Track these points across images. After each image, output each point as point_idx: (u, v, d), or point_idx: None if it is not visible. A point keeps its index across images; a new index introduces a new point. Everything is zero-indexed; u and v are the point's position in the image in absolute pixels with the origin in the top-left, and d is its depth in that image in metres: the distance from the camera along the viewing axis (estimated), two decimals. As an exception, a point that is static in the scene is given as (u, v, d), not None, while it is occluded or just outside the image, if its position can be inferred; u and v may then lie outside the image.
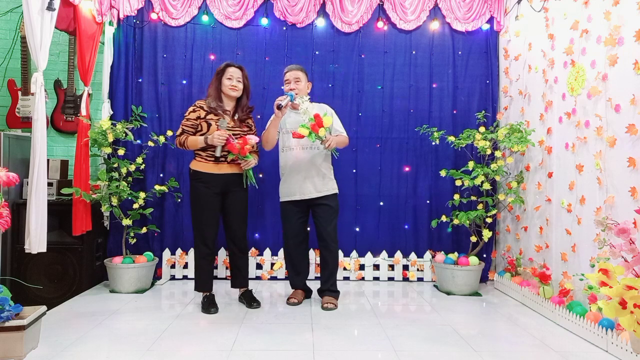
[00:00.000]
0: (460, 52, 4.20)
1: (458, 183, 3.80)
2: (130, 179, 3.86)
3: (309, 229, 3.49)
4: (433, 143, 4.01)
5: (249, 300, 3.30)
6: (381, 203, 4.18)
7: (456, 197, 3.91)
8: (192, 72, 4.11)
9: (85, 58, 3.64)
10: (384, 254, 4.13)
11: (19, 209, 3.56)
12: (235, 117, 3.26)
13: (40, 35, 2.91)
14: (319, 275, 3.47)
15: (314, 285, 3.52)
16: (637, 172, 2.50)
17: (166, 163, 4.09)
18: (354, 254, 4.13)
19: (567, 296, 3.02)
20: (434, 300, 3.56)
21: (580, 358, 2.43)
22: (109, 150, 3.71)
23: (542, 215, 3.48)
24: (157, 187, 3.86)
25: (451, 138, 3.92)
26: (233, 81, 3.22)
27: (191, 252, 3.96)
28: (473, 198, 3.89)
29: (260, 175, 4.07)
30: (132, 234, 3.84)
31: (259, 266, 4.13)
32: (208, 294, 3.25)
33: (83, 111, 3.68)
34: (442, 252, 3.93)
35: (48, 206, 3.05)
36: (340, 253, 4.03)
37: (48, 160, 3.36)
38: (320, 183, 3.30)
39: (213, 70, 3.38)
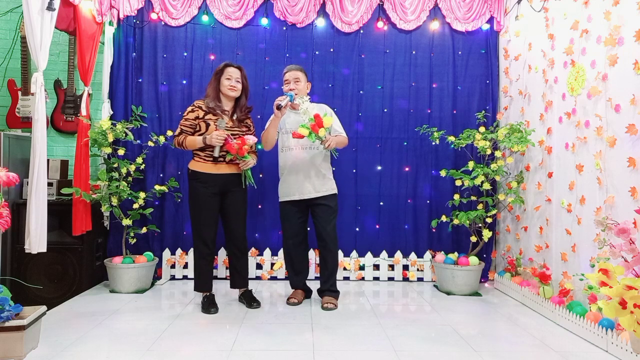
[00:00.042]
0: (460, 52, 4.20)
1: (458, 183, 3.80)
2: (130, 179, 3.86)
3: (309, 228, 3.49)
4: (433, 143, 4.01)
5: (249, 300, 3.30)
6: (381, 203, 4.18)
7: (456, 197, 3.91)
8: (192, 72, 4.11)
9: (85, 58, 3.64)
10: (384, 254, 4.13)
11: (19, 209, 3.57)
12: (234, 117, 3.26)
13: (40, 35, 2.91)
14: (318, 275, 3.47)
15: (314, 285, 3.52)
16: (637, 172, 2.50)
17: (166, 163, 4.09)
18: (354, 254, 4.13)
19: (567, 296, 3.02)
20: (434, 300, 3.56)
21: (580, 358, 2.43)
22: (109, 150, 3.71)
23: (542, 215, 3.48)
24: (157, 187, 3.86)
25: (451, 138, 3.92)
26: (232, 81, 3.22)
27: (191, 252, 3.96)
28: (473, 198, 3.90)
29: (260, 176, 4.07)
30: (132, 234, 3.84)
31: (259, 266, 4.13)
32: (208, 294, 3.25)
33: (83, 111, 3.68)
34: (442, 252, 3.93)
35: (48, 206, 3.05)
36: (340, 253, 4.03)
37: (48, 160, 3.36)
38: (320, 183, 3.31)
39: (213, 70, 3.38)
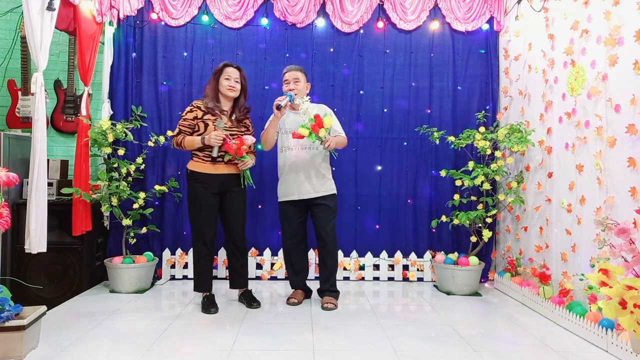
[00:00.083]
0: (460, 52, 4.20)
1: (458, 183, 3.80)
2: (130, 179, 3.86)
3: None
4: (433, 143, 4.01)
5: (249, 300, 3.30)
6: (381, 203, 4.18)
7: (456, 197, 3.91)
8: (192, 72, 4.12)
9: (85, 58, 3.64)
10: (384, 254, 4.13)
11: (19, 209, 3.56)
12: (233, 118, 3.26)
13: (40, 35, 2.91)
14: (318, 275, 3.47)
15: (314, 285, 3.52)
16: (637, 172, 2.50)
17: (166, 163, 4.09)
18: (354, 254, 4.13)
19: (567, 296, 3.02)
20: (434, 300, 3.56)
21: (580, 358, 2.43)
22: (109, 150, 3.71)
23: (542, 215, 3.48)
24: (157, 187, 3.87)
25: (451, 138, 3.92)
26: (231, 81, 3.21)
27: (191, 252, 3.95)
28: (473, 198, 3.90)
29: (261, 176, 4.07)
30: (132, 234, 3.84)
31: (259, 266, 4.13)
32: (208, 294, 3.25)
33: (83, 111, 3.68)
34: (442, 252, 3.93)
35: (48, 206, 3.05)
36: (340, 253, 4.03)
37: (48, 160, 3.36)
38: (319, 183, 3.31)
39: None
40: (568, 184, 3.14)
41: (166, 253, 4.05)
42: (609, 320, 2.55)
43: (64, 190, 3.52)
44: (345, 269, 4.11)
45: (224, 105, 3.26)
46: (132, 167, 3.83)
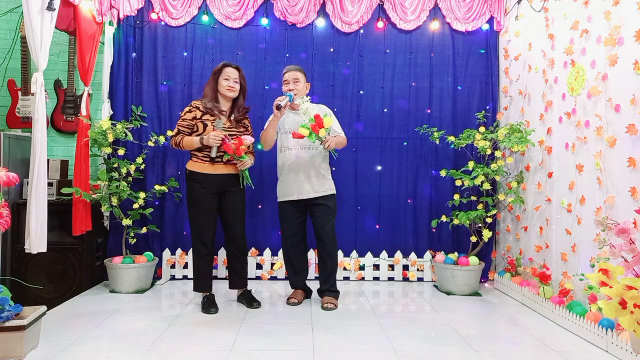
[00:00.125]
0: (460, 52, 4.20)
1: (458, 183, 3.80)
2: (130, 179, 3.86)
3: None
4: (433, 143, 4.01)
5: (249, 300, 3.30)
6: (381, 203, 4.18)
7: (456, 197, 3.91)
8: (192, 72, 4.12)
9: (85, 58, 3.64)
10: (384, 254, 4.13)
11: (19, 209, 3.56)
12: (232, 118, 3.26)
13: (40, 35, 2.91)
14: (318, 275, 3.47)
15: (314, 285, 3.52)
16: (637, 172, 2.50)
17: (166, 163, 4.09)
18: (354, 254, 4.13)
19: (567, 296, 3.02)
20: (434, 300, 3.56)
21: (580, 358, 2.43)
22: (109, 150, 3.71)
23: (542, 215, 3.48)
24: (157, 187, 3.87)
25: (451, 138, 3.92)
26: (230, 82, 3.21)
27: (191, 252, 3.95)
28: (473, 198, 3.90)
29: (261, 176, 4.07)
30: (132, 234, 3.84)
31: (259, 266, 4.13)
32: (208, 294, 3.25)
33: (83, 111, 3.68)
34: (442, 252, 3.93)
35: (48, 206, 3.05)
36: (340, 253, 4.04)
37: (48, 160, 3.36)
38: (318, 183, 3.31)
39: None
40: (568, 184, 3.14)
41: (166, 253, 4.05)
42: (609, 320, 2.55)
43: (64, 190, 3.52)
44: (345, 269, 4.11)
45: (223, 106, 3.25)
46: (132, 167, 3.83)
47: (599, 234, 2.64)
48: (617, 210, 2.64)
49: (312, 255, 3.86)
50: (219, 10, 4.07)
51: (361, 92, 4.19)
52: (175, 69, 4.12)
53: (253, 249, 4.10)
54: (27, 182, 3.10)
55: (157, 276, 3.99)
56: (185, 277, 4.05)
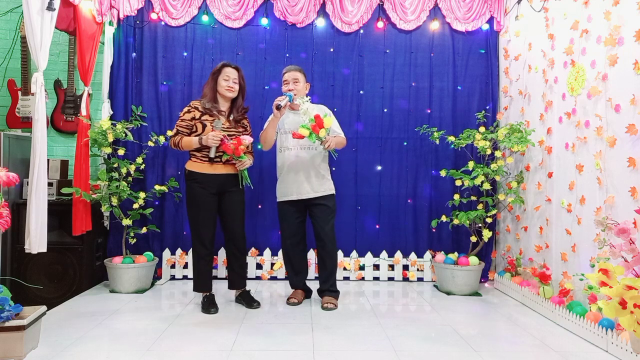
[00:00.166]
0: (460, 52, 4.20)
1: (458, 183, 3.80)
2: (130, 179, 3.86)
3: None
4: (433, 143, 4.01)
5: (249, 300, 3.29)
6: (381, 203, 4.18)
7: (456, 197, 3.91)
8: (192, 72, 4.12)
9: (85, 58, 3.64)
10: (384, 254, 4.13)
11: (19, 209, 3.56)
12: (231, 118, 3.26)
13: (40, 35, 2.91)
14: (318, 275, 3.47)
15: (314, 285, 3.52)
16: (637, 172, 2.50)
17: (166, 163, 4.09)
18: (354, 254, 4.13)
19: (567, 296, 3.02)
20: (434, 300, 3.56)
21: (580, 358, 2.43)
22: (109, 150, 3.71)
23: (542, 215, 3.48)
24: (157, 187, 3.86)
25: (451, 138, 3.92)
26: (229, 82, 3.21)
27: (191, 252, 3.95)
28: (473, 198, 3.90)
29: (260, 176, 4.07)
30: (132, 234, 3.84)
31: (259, 266, 4.13)
32: (208, 294, 3.25)
33: (83, 111, 3.68)
34: (442, 252, 3.93)
35: (48, 206, 3.05)
36: (340, 253, 4.04)
37: (48, 160, 3.36)
38: (318, 183, 3.31)
39: (213, 71, 3.39)
40: (568, 184, 3.14)
41: (166, 253, 4.05)
42: (609, 320, 2.55)
43: (64, 190, 3.52)
44: (345, 269, 4.11)
45: (222, 106, 3.25)
46: (132, 167, 3.83)
47: (599, 234, 2.64)
48: (617, 210, 2.64)
49: (312, 255, 3.86)
50: (219, 10, 4.07)
51: (361, 92, 4.19)
52: (175, 69, 4.12)
53: (253, 249, 4.10)
54: (27, 182, 3.10)
55: (157, 276, 3.99)
56: (185, 277, 4.05)
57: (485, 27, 4.18)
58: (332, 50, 4.17)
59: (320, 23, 4.14)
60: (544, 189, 3.46)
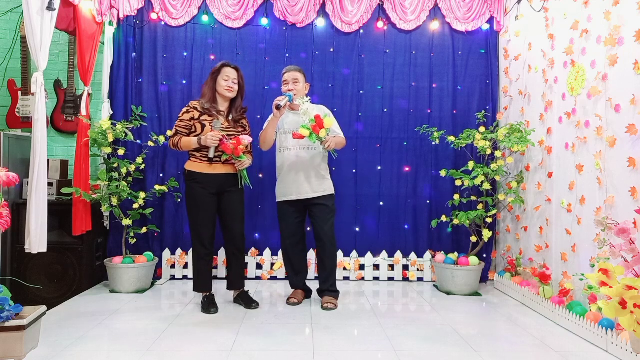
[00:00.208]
0: (460, 52, 4.20)
1: (458, 183, 3.80)
2: (130, 179, 3.86)
3: (309, 228, 3.48)
4: (433, 143, 4.01)
5: (248, 301, 3.29)
6: (381, 203, 4.18)
7: (456, 197, 3.91)
8: (192, 72, 4.12)
9: (85, 58, 3.64)
10: (384, 254, 4.13)
11: (19, 209, 3.57)
12: (230, 118, 3.26)
13: (40, 35, 2.91)
14: (318, 275, 3.47)
15: (314, 285, 3.52)
16: (637, 172, 2.50)
17: (166, 163, 4.09)
18: (354, 254, 4.13)
19: (567, 296, 3.02)
20: (434, 300, 3.56)
21: (580, 358, 2.43)
22: (109, 150, 3.71)
23: (542, 215, 3.48)
24: (157, 187, 3.86)
25: (451, 138, 3.92)
26: (229, 82, 3.21)
27: (191, 252, 3.95)
28: (473, 198, 3.89)
29: (260, 176, 4.08)
30: (132, 234, 3.84)
31: (259, 266, 4.13)
32: (208, 294, 3.25)
33: (83, 111, 3.68)
34: (442, 252, 3.93)
35: (48, 206, 3.05)
36: (340, 253, 4.04)
37: (48, 160, 3.36)
38: (317, 183, 3.31)
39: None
40: (568, 184, 3.14)
41: (166, 253, 4.05)
42: (609, 320, 2.55)
43: (64, 190, 3.52)
44: (345, 269, 4.11)
45: (221, 106, 3.26)
46: (132, 167, 3.83)
47: (599, 234, 2.64)
48: (617, 210, 2.64)
49: (312, 255, 3.86)
50: (219, 10, 4.07)
51: (361, 92, 4.19)
52: (175, 69, 4.12)
53: (253, 249, 4.10)
54: (27, 182, 3.10)
55: (157, 276, 3.99)
56: (185, 277, 4.05)
57: (486, 27, 4.18)
58: (332, 50, 4.17)
59: (320, 23, 4.14)
60: (544, 189, 3.46)
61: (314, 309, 3.26)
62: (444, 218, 3.95)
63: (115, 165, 3.78)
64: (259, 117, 4.00)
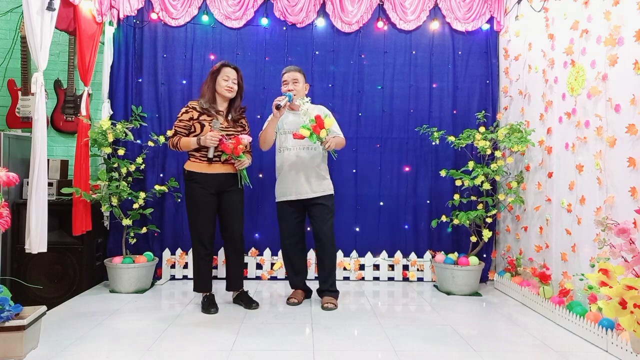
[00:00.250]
0: (460, 52, 4.20)
1: (458, 183, 3.80)
2: (130, 179, 3.86)
3: (309, 228, 3.48)
4: (433, 143, 4.01)
5: (248, 301, 3.28)
6: (381, 203, 4.18)
7: (456, 197, 3.91)
8: (192, 72, 4.11)
9: (85, 58, 3.64)
10: (384, 254, 4.13)
11: (19, 209, 3.57)
12: (229, 118, 3.26)
13: (40, 35, 2.91)
14: (318, 275, 3.47)
15: (314, 285, 3.52)
16: (637, 172, 2.50)
17: (166, 163, 4.09)
18: (354, 254, 4.13)
19: (567, 296, 3.02)
20: (434, 300, 3.56)
21: (580, 358, 2.43)
22: (109, 150, 3.71)
23: (542, 215, 3.48)
24: (157, 187, 3.86)
25: (451, 138, 3.92)
26: (229, 82, 3.21)
27: (191, 252, 3.95)
28: (473, 198, 3.89)
29: (260, 176, 4.08)
30: (132, 234, 3.84)
31: (259, 266, 4.13)
32: (208, 294, 3.25)
33: (83, 111, 3.68)
34: (442, 252, 3.93)
35: (48, 206, 3.04)
36: (340, 253, 4.04)
37: (48, 160, 3.36)
38: (317, 184, 3.31)
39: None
40: (568, 184, 3.14)
41: (166, 253, 4.05)
42: (609, 320, 2.55)
43: (64, 190, 3.52)
44: (345, 269, 4.11)
45: (220, 106, 3.26)
46: (132, 167, 3.83)
47: (599, 234, 2.64)
48: (617, 210, 2.64)
49: (312, 255, 3.86)
50: (219, 10, 4.07)
51: (361, 92, 4.18)
52: (175, 69, 4.12)
53: (253, 249, 4.10)
54: (27, 182, 3.10)
55: (157, 276, 3.99)
56: (185, 277, 4.05)
57: (486, 27, 4.18)
58: (332, 50, 4.17)
59: (320, 23, 4.14)
60: (544, 189, 3.46)
61: (314, 309, 3.26)
62: (444, 218, 3.95)
63: (115, 165, 3.78)
64: (258, 117, 4.00)
